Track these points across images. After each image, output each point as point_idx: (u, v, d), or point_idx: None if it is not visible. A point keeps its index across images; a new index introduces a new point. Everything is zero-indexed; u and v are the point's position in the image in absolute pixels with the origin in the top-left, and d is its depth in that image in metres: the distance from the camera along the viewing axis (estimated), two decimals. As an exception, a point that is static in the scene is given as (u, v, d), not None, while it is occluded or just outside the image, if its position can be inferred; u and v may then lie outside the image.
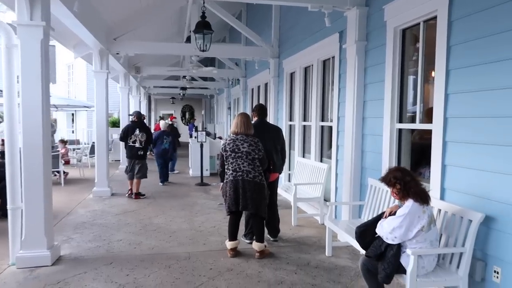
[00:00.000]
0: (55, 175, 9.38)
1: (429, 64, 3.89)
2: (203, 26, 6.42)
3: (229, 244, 4.59)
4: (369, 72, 4.87)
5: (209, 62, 19.38)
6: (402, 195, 3.06)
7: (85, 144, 16.32)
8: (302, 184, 6.42)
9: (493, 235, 2.96)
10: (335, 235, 4.94)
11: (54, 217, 5.06)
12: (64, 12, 5.17)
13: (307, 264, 4.36)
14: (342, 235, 4.34)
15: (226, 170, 4.53)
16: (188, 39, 9.29)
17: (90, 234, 5.44)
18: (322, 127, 6.63)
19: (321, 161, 6.59)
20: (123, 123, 11.96)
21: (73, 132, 22.84)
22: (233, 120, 4.67)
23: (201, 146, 9.98)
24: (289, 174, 7.96)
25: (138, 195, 7.94)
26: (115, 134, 14.75)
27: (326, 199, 6.12)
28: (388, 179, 3.14)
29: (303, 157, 7.44)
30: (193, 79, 16.72)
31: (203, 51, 6.92)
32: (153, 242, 5.09)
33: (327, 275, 4.05)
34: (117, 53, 8.46)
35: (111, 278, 3.94)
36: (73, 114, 23.49)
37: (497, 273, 2.91)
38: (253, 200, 4.35)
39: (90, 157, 12.40)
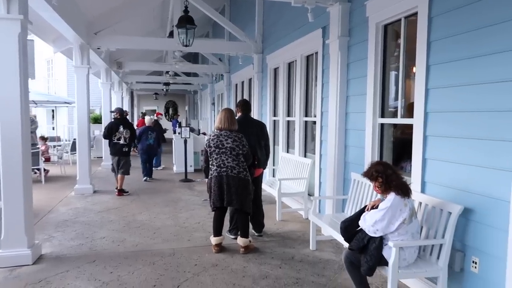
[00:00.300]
0: (35, 173, 9.19)
1: (410, 59, 3.95)
2: (186, 21, 6.37)
3: (213, 240, 4.58)
4: (352, 68, 4.91)
5: (192, 57, 19.23)
6: (384, 189, 3.11)
7: (66, 140, 16.02)
8: (286, 179, 6.45)
9: (471, 227, 3.04)
10: (319, 229, 5.00)
11: (34, 215, 4.97)
12: (43, 5, 5.05)
13: (292, 258, 4.40)
14: (326, 229, 4.38)
15: (210, 166, 4.51)
16: (171, 34, 9.19)
17: (72, 232, 5.35)
18: (306, 122, 6.67)
19: (305, 156, 6.64)
20: (105, 119, 11.78)
21: (53, 128, 22.38)
22: (217, 115, 4.66)
23: (185, 142, 9.92)
24: (273, 169, 7.99)
25: (121, 192, 7.87)
26: (97, 130, 14.52)
27: (310, 194, 6.17)
28: (370, 173, 3.18)
29: (287, 152, 7.47)
30: (176, 74, 16.58)
31: (186, 46, 6.88)
32: (137, 239, 5.05)
33: (311, 269, 4.09)
34: (98, 48, 8.31)
35: (94, 276, 3.89)
36: (53, 111, 23.01)
37: (475, 263, 2.99)
38: (237, 195, 4.36)
39: (71, 154, 12.20)
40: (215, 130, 4.56)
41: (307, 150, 6.70)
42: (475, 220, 2.99)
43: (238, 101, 5.38)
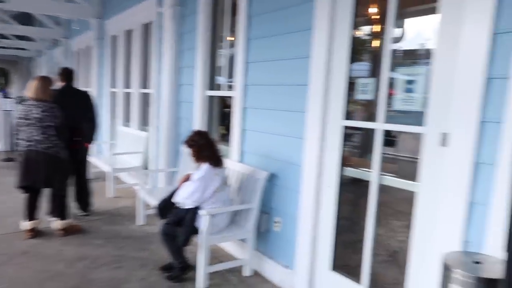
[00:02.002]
0: None
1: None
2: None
3: (26, 225, 4.05)
4: (185, 39, 4.82)
5: (28, 19, 16.53)
6: (198, 158, 3.16)
7: None
8: (120, 154, 6.13)
9: (275, 190, 3.32)
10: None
11: None
12: None
13: (117, 235, 4.19)
14: (154, 203, 4.29)
15: (21, 140, 3.93)
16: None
17: None
18: (144, 94, 6.38)
19: (144, 129, 6.38)
20: None
21: None
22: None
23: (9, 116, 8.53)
24: (112, 144, 7.49)
25: None
26: None
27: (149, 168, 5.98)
28: (187, 142, 3.20)
29: (127, 126, 7.08)
30: (4, 37, 14.13)
31: (1, 2, 5.81)
32: None
33: (135, 244, 3.97)
34: None
35: None
36: None
37: (278, 223, 3.29)
38: (46, 174, 3.88)
39: None
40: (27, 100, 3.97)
41: (146, 123, 6.44)
42: (278, 184, 3.28)
43: (59, 69, 4.78)
